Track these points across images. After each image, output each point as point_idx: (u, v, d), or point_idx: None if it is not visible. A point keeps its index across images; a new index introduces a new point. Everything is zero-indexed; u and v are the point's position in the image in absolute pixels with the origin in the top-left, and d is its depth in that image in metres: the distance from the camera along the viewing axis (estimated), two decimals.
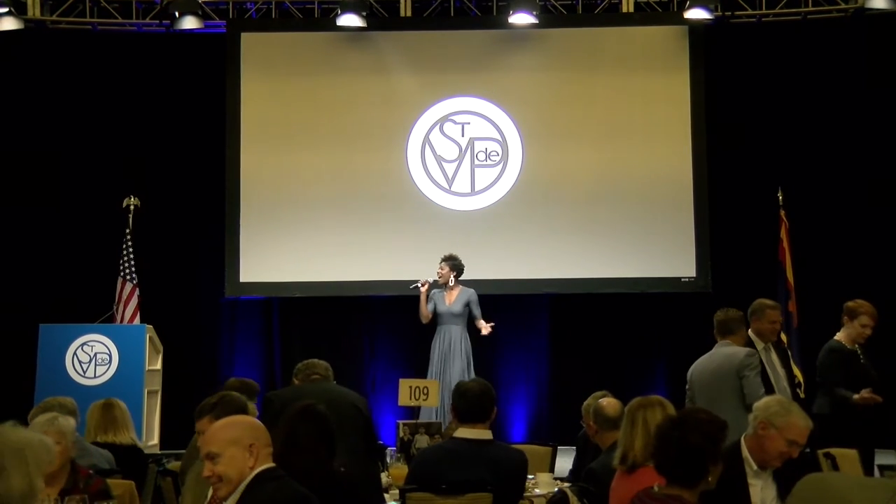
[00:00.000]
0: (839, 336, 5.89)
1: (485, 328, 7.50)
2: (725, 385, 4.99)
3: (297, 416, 3.28)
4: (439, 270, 7.57)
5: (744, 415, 4.87)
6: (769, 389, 5.08)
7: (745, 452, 3.52)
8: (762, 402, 3.65)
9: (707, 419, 2.88)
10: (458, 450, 3.85)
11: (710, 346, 5.32)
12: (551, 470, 5.42)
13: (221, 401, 3.76)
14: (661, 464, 2.86)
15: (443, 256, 7.62)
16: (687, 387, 5.29)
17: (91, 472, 3.81)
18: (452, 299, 7.51)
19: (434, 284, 7.58)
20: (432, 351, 7.50)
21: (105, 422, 4.86)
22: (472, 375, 7.25)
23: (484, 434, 3.87)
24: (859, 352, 5.85)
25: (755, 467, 3.51)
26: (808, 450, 3.65)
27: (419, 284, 7.55)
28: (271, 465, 2.79)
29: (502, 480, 3.78)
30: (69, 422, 3.81)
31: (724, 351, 5.17)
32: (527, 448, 5.60)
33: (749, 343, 5.47)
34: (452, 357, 7.43)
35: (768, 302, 5.58)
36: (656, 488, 2.83)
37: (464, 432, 3.87)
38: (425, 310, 7.53)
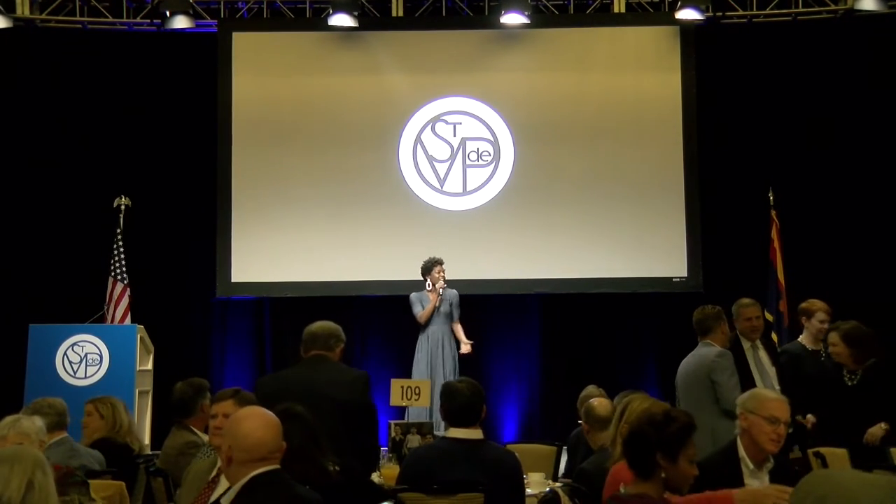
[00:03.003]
0: (801, 338, 5.94)
1: (465, 346, 7.64)
2: (699, 388, 5.02)
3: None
4: (444, 274, 7.60)
5: (721, 418, 4.90)
6: (752, 388, 5.10)
7: (742, 452, 3.53)
8: (738, 399, 3.69)
9: (660, 410, 2.91)
10: (450, 450, 3.85)
11: None
12: (555, 469, 5.44)
13: (238, 393, 3.79)
14: (624, 454, 2.91)
15: (441, 259, 7.65)
16: (676, 390, 5.32)
17: (63, 467, 3.77)
18: (433, 304, 7.60)
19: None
20: (419, 351, 7.58)
21: (131, 427, 4.88)
22: (458, 375, 7.30)
23: (475, 434, 3.87)
24: (822, 350, 5.86)
25: (751, 466, 3.51)
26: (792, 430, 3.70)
27: (440, 291, 7.58)
28: (270, 467, 2.74)
29: (495, 481, 3.78)
30: (34, 423, 3.77)
31: (699, 352, 5.21)
32: (531, 448, 5.65)
33: (735, 341, 5.49)
34: (443, 357, 7.51)
35: (743, 300, 5.62)
36: (622, 489, 2.85)
37: (455, 432, 3.87)
38: (430, 312, 7.58)
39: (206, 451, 4.08)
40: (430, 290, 7.62)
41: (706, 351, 5.17)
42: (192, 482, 3.56)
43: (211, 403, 3.90)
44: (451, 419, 3.85)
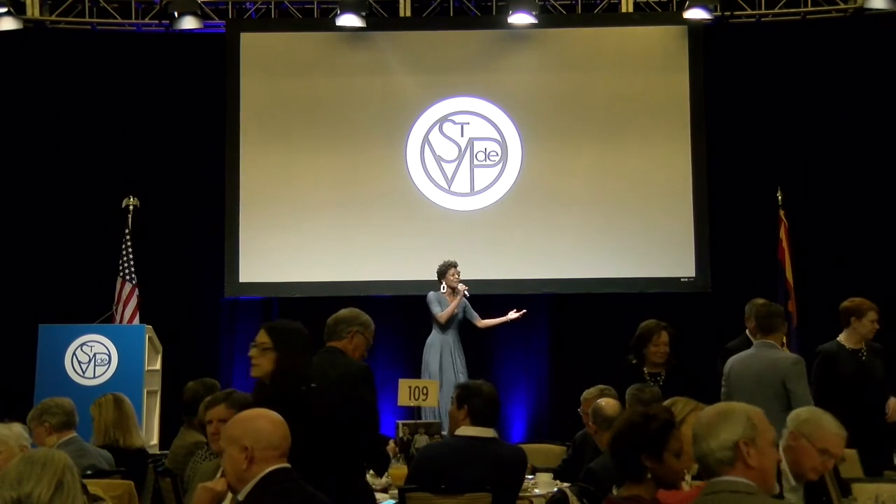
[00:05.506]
0: (841, 337, 5.80)
1: (514, 313, 7.82)
2: (769, 393, 4.84)
3: None
4: (459, 276, 7.67)
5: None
6: None
7: (784, 465, 3.30)
8: (793, 413, 3.47)
9: (639, 410, 2.88)
10: (462, 447, 3.89)
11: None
12: None
13: (230, 396, 3.78)
14: (611, 458, 2.89)
15: (455, 262, 7.71)
16: (723, 381, 5.22)
17: None
18: (455, 304, 7.65)
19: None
20: (434, 354, 7.58)
21: (119, 421, 4.87)
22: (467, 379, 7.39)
23: (488, 432, 3.92)
24: (864, 349, 5.77)
25: (793, 482, 3.31)
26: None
27: (465, 292, 7.67)
28: (283, 465, 2.77)
29: (504, 477, 3.81)
30: (12, 430, 3.76)
31: (768, 356, 5.06)
32: (540, 447, 5.66)
33: (746, 341, 5.47)
34: (456, 359, 7.59)
35: (757, 300, 5.58)
36: (615, 491, 2.84)
37: (468, 430, 3.91)
38: (450, 313, 7.66)
39: (206, 453, 4.09)
40: (447, 293, 7.68)
41: (778, 355, 5.03)
42: (199, 483, 3.57)
43: (204, 409, 3.88)
44: (476, 418, 3.88)
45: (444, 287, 7.70)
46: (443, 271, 7.73)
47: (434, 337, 7.66)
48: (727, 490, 2.40)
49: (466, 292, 7.68)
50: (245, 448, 2.72)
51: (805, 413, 3.42)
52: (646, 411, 2.87)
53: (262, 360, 3.54)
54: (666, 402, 3.72)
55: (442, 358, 7.57)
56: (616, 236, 8.48)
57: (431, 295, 7.70)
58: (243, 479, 2.73)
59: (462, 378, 7.37)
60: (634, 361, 5.56)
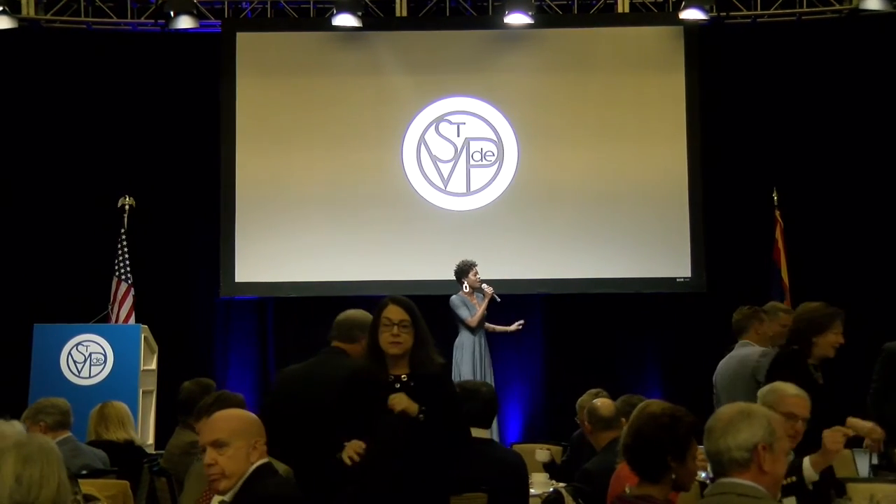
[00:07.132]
0: None
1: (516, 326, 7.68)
2: (743, 388, 4.88)
3: None
4: (479, 274, 7.51)
5: None
6: None
7: None
8: (759, 392, 3.60)
9: (662, 412, 2.85)
10: None
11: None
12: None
13: (218, 400, 3.76)
14: (628, 459, 2.84)
15: (475, 262, 7.54)
16: (714, 390, 5.25)
17: None
18: (485, 307, 7.49)
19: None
20: (467, 356, 7.43)
21: (99, 421, 4.95)
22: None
23: (485, 433, 3.93)
24: None
25: None
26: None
27: (496, 295, 7.50)
28: (267, 460, 2.82)
29: (505, 480, 3.83)
30: (14, 427, 3.74)
31: (740, 353, 5.13)
32: (535, 448, 5.65)
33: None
34: (485, 361, 7.47)
35: (781, 305, 5.57)
36: (628, 490, 2.82)
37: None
38: (482, 315, 7.50)
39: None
40: (468, 293, 7.49)
41: (749, 351, 5.09)
42: (193, 483, 3.57)
43: (195, 419, 3.85)
44: (474, 419, 3.89)
45: (465, 287, 7.49)
46: (464, 271, 7.49)
47: (465, 338, 7.44)
48: (734, 492, 2.35)
49: (496, 296, 7.44)
50: (255, 442, 2.78)
51: (766, 388, 3.55)
52: (673, 413, 2.83)
53: (405, 337, 3.54)
54: (643, 405, 3.73)
55: (473, 360, 7.40)
56: (612, 236, 8.48)
57: (455, 299, 7.46)
58: (243, 475, 2.76)
59: (490, 379, 7.33)
60: (796, 348, 4.48)
